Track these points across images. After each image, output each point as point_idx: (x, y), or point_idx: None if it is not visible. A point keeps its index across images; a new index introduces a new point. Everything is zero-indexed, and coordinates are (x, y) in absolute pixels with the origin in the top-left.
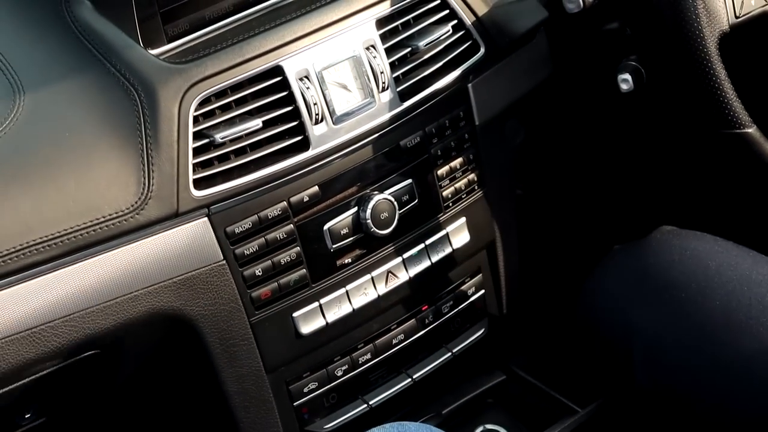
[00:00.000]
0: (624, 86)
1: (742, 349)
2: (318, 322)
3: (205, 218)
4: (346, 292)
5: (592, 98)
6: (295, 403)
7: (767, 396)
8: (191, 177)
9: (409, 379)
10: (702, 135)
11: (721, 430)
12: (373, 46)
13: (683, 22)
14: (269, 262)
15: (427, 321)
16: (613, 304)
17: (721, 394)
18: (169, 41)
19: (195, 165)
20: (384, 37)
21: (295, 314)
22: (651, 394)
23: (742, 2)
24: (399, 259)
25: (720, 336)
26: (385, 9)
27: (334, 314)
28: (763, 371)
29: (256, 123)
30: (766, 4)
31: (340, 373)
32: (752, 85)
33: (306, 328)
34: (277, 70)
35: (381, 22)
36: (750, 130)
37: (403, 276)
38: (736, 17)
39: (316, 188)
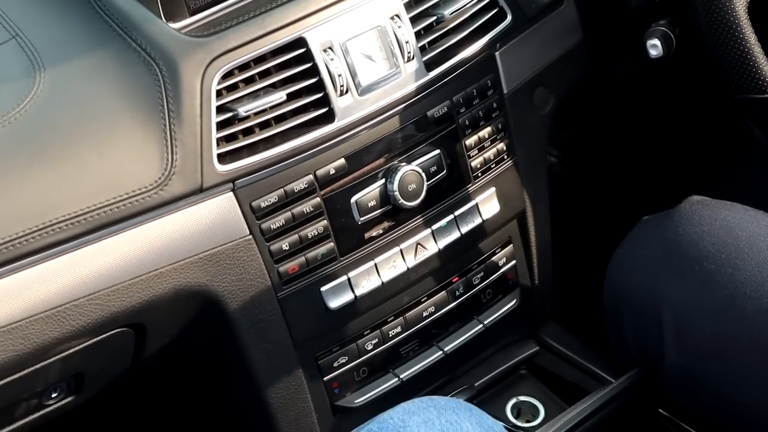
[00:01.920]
0: (653, 52)
1: None
2: (347, 296)
3: (230, 193)
4: (375, 265)
5: (622, 65)
6: (325, 378)
7: None
8: (215, 151)
9: (441, 352)
10: (732, 100)
11: (750, 402)
12: (397, 16)
13: None
14: (296, 236)
15: (457, 293)
16: (643, 276)
17: (751, 365)
18: (191, 14)
19: (219, 139)
20: (408, 7)
21: (323, 288)
22: (680, 367)
23: None
24: (428, 231)
25: (751, 307)
26: None
27: (362, 288)
28: None
29: (280, 96)
30: None
31: (370, 347)
32: None
33: (334, 303)
34: (301, 42)
35: None
36: None
37: (432, 248)
38: None
39: (342, 161)
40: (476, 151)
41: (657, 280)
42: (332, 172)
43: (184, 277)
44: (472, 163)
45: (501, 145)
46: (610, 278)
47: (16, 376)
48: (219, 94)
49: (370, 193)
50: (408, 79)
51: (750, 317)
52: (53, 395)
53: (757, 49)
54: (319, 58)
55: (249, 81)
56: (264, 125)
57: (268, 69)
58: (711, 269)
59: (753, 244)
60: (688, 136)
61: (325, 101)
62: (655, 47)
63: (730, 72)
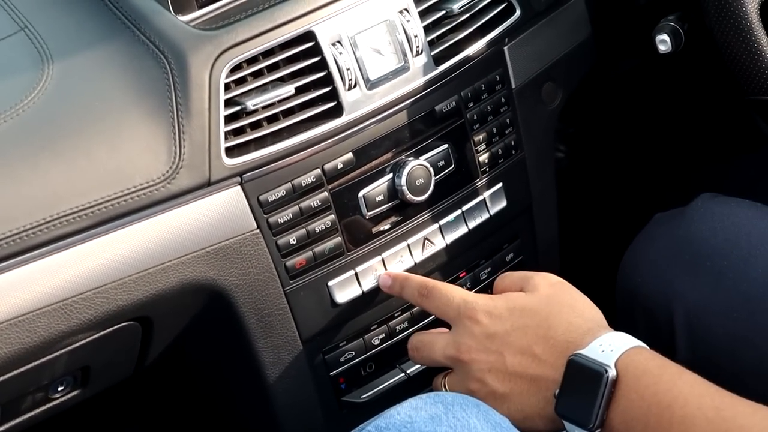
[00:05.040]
0: (662, 47)
1: None
2: (354, 291)
3: (238, 187)
4: (382, 259)
5: (631, 60)
6: (331, 373)
7: None
8: (223, 145)
9: None
10: (739, 100)
11: (763, 401)
12: (406, 10)
13: None
14: (304, 230)
15: (464, 288)
16: (655, 273)
17: (763, 363)
18: (200, 7)
19: (227, 133)
20: (417, 1)
21: (330, 283)
22: (692, 365)
23: None
24: (435, 226)
25: (764, 305)
26: None
27: (370, 282)
28: None
29: (289, 89)
30: None
31: (377, 342)
32: None
33: (341, 297)
34: (309, 36)
35: None
36: None
37: (439, 242)
38: None
39: (350, 155)
40: (484, 146)
41: (669, 277)
42: (340, 166)
43: (191, 271)
44: (480, 158)
45: (509, 140)
46: (622, 276)
47: (22, 369)
48: (227, 87)
49: (377, 188)
50: (416, 74)
51: (763, 315)
52: (59, 389)
53: (767, 52)
54: (328, 52)
55: (257, 74)
56: (272, 119)
57: (276, 62)
58: (723, 266)
59: (765, 242)
60: (696, 133)
61: (333, 95)
62: (664, 43)
63: (741, 73)
